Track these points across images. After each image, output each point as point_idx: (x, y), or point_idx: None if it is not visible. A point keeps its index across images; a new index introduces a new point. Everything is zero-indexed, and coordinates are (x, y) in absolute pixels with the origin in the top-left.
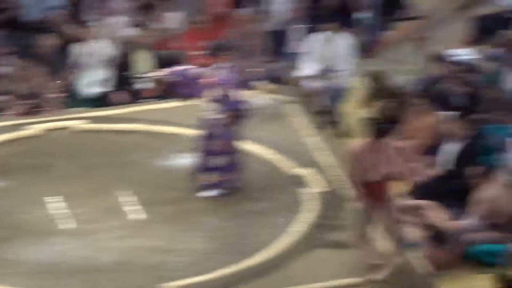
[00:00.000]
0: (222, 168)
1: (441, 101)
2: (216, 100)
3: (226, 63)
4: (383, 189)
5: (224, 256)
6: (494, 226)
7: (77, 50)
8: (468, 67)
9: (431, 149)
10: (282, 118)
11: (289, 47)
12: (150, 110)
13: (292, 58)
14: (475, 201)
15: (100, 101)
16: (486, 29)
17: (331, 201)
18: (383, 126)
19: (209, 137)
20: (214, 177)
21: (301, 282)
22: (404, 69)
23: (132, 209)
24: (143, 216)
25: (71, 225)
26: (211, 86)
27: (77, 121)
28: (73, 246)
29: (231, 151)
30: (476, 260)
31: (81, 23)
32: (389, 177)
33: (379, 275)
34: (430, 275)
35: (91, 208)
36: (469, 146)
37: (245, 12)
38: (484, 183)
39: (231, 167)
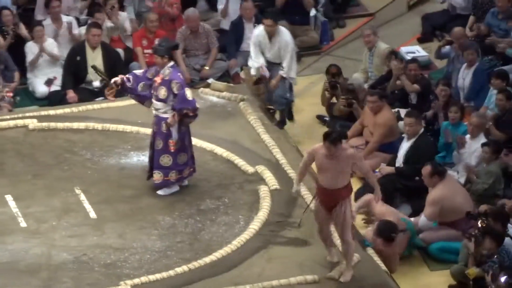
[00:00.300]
0: (173, 166)
1: (395, 99)
2: (161, 100)
3: (170, 62)
4: (336, 194)
5: (180, 254)
6: (448, 224)
7: (28, 49)
8: (419, 64)
9: (388, 146)
10: (236, 116)
11: (243, 45)
12: (103, 108)
13: (245, 55)
14: (429, 201)
15: (52, 99)
16: (435, 27)
17: (286, 199)
18: (337, 133)
19: (159, 136)
20: (168, 175)
21: (257, 280)
22: (360, 67)
23: (87, 207)
24: (98, 214)
25: (26, 224)
26: (156, 85)
27: (30, 120)
28: (30, 245)
29: (181, 150)
30: (433, 257)
31: (32, 22)
32: (339, 185)
33: (341, 277)
34: (387, 272)
35: (45, 207)
36: (419, 143)
37: (195, 10)
38: (436, 181)
39: (182, 166)
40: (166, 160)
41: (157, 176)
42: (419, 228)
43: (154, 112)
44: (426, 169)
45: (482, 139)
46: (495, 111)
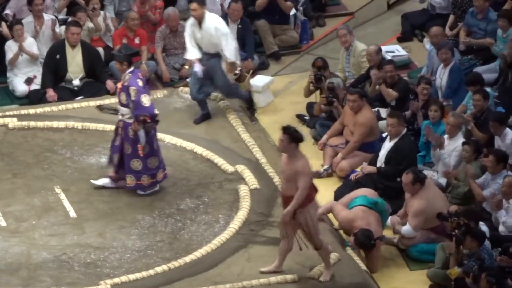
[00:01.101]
0: (144, 170)
1: (375, 98)
2: (123, 105)
3: (129, 68)
4: (288, 202)
5: (160, 253)
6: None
7: (8, 48)
8: (395, 65)
9: (368, 146)
10: (216, 115)
11: None
12: (83, 107)
13: None
14: (414, 212)
15: (32, 98)
16: (415, 26)
17: (266, 198)
18: (295, 130)
19: (127, 141)
20: (140, 179)
21: (237, 279)
22: (338, 67)
23: (67, 206)
24: (78, 213)
25: (6, 223)
26: (118, 91)
27: (9, 118)
28: (10, 244)
29: (150, 154)
30: (414, 259)
31: (12, 21)
32: (288, 192)
33: (321, 277)
34: (367, 271)
35: (25, 206)
36: (401, 144)
37: (175, 10)
38: (418, 189)
39: (153, 170)
40: (136, 164)
41: (130, 180)
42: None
43: (120, 117)
44: (408, 177)
45: (460, 138)
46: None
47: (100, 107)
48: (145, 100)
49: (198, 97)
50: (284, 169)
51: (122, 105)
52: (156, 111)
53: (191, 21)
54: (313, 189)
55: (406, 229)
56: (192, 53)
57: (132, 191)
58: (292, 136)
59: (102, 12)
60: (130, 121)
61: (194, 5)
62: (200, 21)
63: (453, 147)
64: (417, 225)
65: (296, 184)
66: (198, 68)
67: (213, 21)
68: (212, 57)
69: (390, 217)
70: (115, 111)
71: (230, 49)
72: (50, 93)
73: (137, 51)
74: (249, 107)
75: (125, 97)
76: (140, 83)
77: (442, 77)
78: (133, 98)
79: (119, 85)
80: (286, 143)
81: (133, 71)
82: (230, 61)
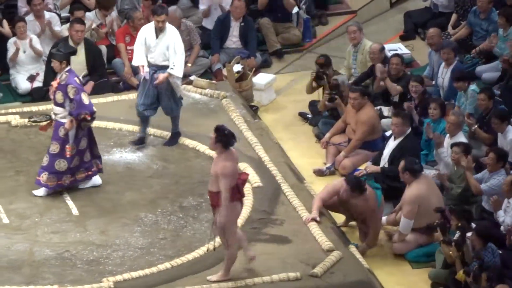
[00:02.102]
0: (68, 171)
1: (378, 96)
2: (58, 104)
3: (67, 67)
4: (211, 197)
5: (162, 251)
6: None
7: (10, 45)
8: (402, 60)
9: (371, 144)
10: (219, 113)
11: (227, 42)
12: None
13: (229, 52)
14: (405, 199)
15: (35, 96)
16: (417, 24)
17: (268, 196)
18: (227, 130)
19: (56, 140)
20: (62, 179)
21: (239, 277)
22: (343, 64)
23: (70, 204)
24: (80, 211)
25: (8, 220)
26: (53, 90)
27: (12, 116)
28: (13, 241)
29: (75, 154)
30: (413, 261)
31: (15, 18)
32: (212, 188)
33: (209, 276)
34: (369, 269)
35: (28, 203)
36: (405, 143)
37: (177, 8)
38: (409, 178)
39: (74, 169)
40: (61, 165)
41: (47, 178)
42: (400, 232)
43: (53, 116)
44: (400, 164)
45: (461, 137)
46: (469, 110)
47: (29, 119)
48: (85, 98)
49: (142, 112)
50: (212, 166)
51: (57, 104)
52: (95, 109)
53: (147, 28)
54: (236, 192)
55: (401, 223)
56: (140, 59)
57: (135, 188)
58: (219, 137)
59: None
60: (63, 120)
61: (163, 17)
62: (160, 32)
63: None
64: (408, 212)
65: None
66: (146, 74)
67: (174, 33)
68: (159, 69)
69: (385, 217)
70: (46, 115)
71: (181, 64)
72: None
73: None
74: (169, 141)
75: (61, 96)
76: (78, 81)
77: (444, 76)
78: (72, 96)
79: (54, 84)
80: (213, 141)
81: (70, 70)
82: (171, 71)
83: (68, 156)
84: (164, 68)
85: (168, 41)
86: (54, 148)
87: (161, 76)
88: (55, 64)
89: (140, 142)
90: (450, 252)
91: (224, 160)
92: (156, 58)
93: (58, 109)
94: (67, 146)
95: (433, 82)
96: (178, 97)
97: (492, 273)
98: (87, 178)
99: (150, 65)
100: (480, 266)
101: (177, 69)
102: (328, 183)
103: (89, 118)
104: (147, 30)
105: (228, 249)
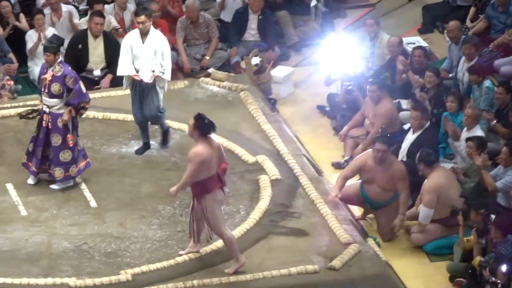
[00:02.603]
0: (72, 161)
1: (397, 89)
2: (56, 96)
3: (59, 58)
4: (191, 188)
5: (180, 243)
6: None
7: (29, 37)
8: (425, 52)
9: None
10: (237, 105)
11: (246, 35)
12: (104, 97)
13: (247, 45)
14: (425, 189)
15: None
16: (436, 17)
17: (286, 188)
18: (206, 120)
19: (57, 132)
20: (69, 170)
21: (257, 270)
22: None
23: (88, 196)
24: (98, 203)
25: (26, 212)
26: (47, 82)
27: (30, 108)
28: (31, 233)
29: (76, 144)
30: (431, 254)
31: (33, 11)
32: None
33: (226, 269)
34: (387, 262)
35: (46, 195)
36: (424, 137)
37: (195, 1)
38: (425, 170)
39: (77, 158)
40: (66, 155)
41: (58, 173)
42: (420, 222)
43: (46, 109)
44: (417, 155)
45: (478, 131)
46: (483, 107)
47: (21, 116)
48: (83, 86)
49: (142, 119)
50: None
51: (54, 96)
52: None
53: (131, 34)
54: (214, 181)
55: (421, 213)
56: (128, 68)
57: (153, 181)
58: (197, 124)
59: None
60: (60, 111)
61: (142, 18)
62: (145, 34)
63: None
64: (428, 201)
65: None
66: (146, 75)
67: (159, 35)
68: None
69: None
70: (36, 111)
71: (169, 66)
72: None
73: (63, 40)
74: (163, 141)
75: (59, 87)
76: (73, 71)
77: (464, 71)
78: (72, 86)
79: (48, 76)
80: (191, 128)
81: (61, 61)
82: (159, 74)
83: (71, 145)
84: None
85: (155, 45)
86: (56, 140)
87: (150, 74)
88: (49, 57)
89: (145, 149)
90: (467, 238)
91: (196, 146)
92: (144, 63)
93: (54, 101)
94: (68, 135)
95: (450, 75)
96: (161, 106)
97: (510, 265)
98: (87, 166)
99: (136, 71)
100: (497, 259)
101: (167, 73)
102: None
103: (87, 106)
104: (131, 37)
105: (221, 236)
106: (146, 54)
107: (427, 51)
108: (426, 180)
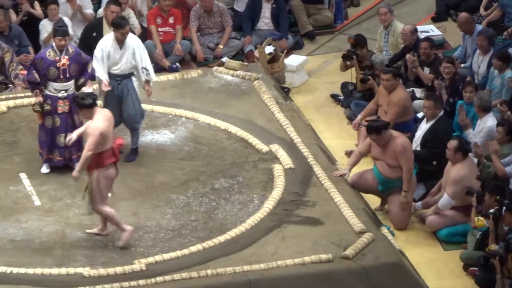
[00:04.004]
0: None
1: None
2: (74, 77)
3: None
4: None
5: (194, 233)
6: (459, 208)
7: (43, 27)
8: (431, 43)
9: (402, 126)
10: (250, 94)
11: (259, 24)
12: None
13: (260, 34)
14: (453, 179)
15: None
16: (450, 6)
17: (300, 177)
18: (82, 100)
19: (77, 113)
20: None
21: (271, 259)
22: (375, 46)
23: None
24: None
25: (40, 202)
26: (64, 66)
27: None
28: (45, 223)
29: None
30: (445, 241)
31: (48, 1)
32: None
33: (119, 242)
34: (401, 251)
35: (59, 185)
36: (437, 126)
37: None
38: (459, 159)
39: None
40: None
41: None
42: (438, 207)
43: (62, 94)
44: (452, 143)
45: (490, 119)
46: (505, 97)
47: (34, 109)
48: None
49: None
50: None
51: (72, 77)
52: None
53: (106, 42)
54: (108, 155)
55: (442, 199)
56: (104, 74)
57: (167, 170)
58: (78, 105)
59: None
60: (73, 91)
61: (127, 28)
62: (123, 41)
63: (480, 127)
64: (454, 192)
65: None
66: (108, 88)
67: (134, 38)
68: (124, 78)
69: (419, 202)
70: (46, 103)
71: (151, 67)
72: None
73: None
74: (133, 154)
75: (76, 66)
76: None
77: (480, 64)
78: (86, 60)
79: (65, 61)
80: (80, 111)
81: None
82: (149, 78)
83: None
84: (129, 76)
85: (132, 47)
86: (77, 119)
87: (148, 87)
88: (61, 41)
89: (134, 155)
90: (477, 218)
91: (93, 120)
92: (123, 68)
93: (71, 83)
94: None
95: (462, 66)
96: (142, 110)
97: None
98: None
99: (114, 76)
100: (507, 247)
101: (152, 73)
102: (360, 163)
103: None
104: (108, 44)
105: (100, 213)
106: (125, 58)
107: (434, 42)
108: (453, 170)
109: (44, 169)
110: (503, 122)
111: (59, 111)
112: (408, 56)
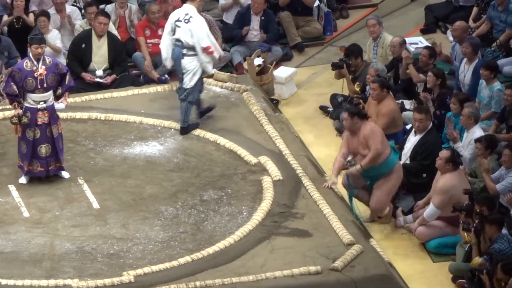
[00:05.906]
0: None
1: (400, 89)
2: (51, 87)
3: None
4: None
5: (183, 244)
6: (445, 219)
7: None
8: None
9: (392, 137)
10: (239, 106)
11: (248, 36)
12: (106, 98)
13: (249, 46)
14: (439, 189)
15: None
16: (438, 18)
17: (289, 189)
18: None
19: (56, 123)
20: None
21: (260, 271)
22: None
23: (90, 197)
24: (101, 204)
25: (29, 214)
26: (41, 76)
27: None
28: (33, 234)
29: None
30: (434, 252)
31: (37, 13)
32: None
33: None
34: (390, 263)
35: (48, 196)
36: (427, 139)
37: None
38: (449, 169)
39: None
40: (61, 143)
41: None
42: (424, 218)
43: (41, 105)
44: (444, 153)
45: (477, 131)
46: (494, 109)
47: (11, 121)
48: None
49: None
50: None
51: (49, 88)
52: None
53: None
54: None
55: (428, 209)
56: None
57: (155, 182)
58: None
59: (129, 6)
60: (52, 102)
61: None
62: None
63: (468, 140)
64: (440, 202)
65: None
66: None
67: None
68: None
69: (409, 215)
70: (25, 116)
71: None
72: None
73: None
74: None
75: (54, 76)
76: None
77: (466, 73)
78: (64, 70)
79: (42, 71)
80: None
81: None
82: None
83: (61, 132)
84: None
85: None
86: (56, 131)
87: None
88: (37, 49)
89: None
90: (468, 237)
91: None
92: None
93: (49, 94)
94: (59, 122)
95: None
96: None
97: (508, 263)
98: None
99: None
100: (491, 260)
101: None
102: None
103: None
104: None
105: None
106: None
107: (434, 53)
108: (441, 178)
109: (23, 179)
110: (481, 137)
111: (39, 123)
112: (404, 52)
